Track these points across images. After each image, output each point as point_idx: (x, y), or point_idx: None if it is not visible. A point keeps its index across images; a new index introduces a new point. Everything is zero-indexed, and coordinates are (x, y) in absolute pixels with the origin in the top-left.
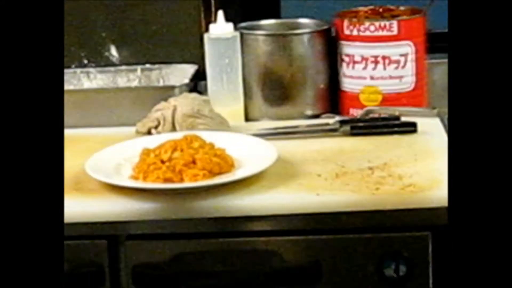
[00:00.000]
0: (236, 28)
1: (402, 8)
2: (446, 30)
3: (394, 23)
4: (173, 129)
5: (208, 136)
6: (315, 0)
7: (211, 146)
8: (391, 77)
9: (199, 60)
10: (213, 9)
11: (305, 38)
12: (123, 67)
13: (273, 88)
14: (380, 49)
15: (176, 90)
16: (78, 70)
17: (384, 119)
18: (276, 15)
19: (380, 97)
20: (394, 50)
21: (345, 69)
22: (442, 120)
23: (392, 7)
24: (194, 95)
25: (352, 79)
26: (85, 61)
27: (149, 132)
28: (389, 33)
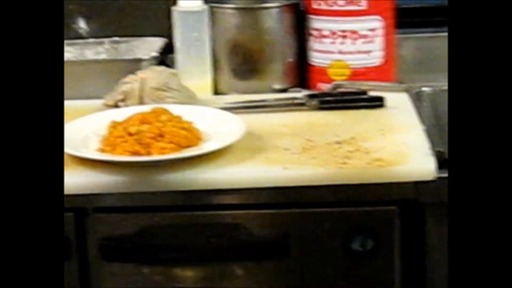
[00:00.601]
0: (205, 2)
1: None
2: (415, 5)
3: None
4: (141, 102)
5: (176, 109)
6: None
7: (179, 119)
8: (359, 52)
9: (168, 33)
10: None
11: (274, 12)
12: (91, 40)
13: (242, 62)
14: (348, 24)
15: (144, 63)
16: None
17: (352, 93)
18: None
19: (348, 72)
20: (363, 24)
21: (314, 43)
22: (409, 95)
23: None
24: (162, 68)
25: (321, 54)
26: None
27: (116, 105)
28: (358, 8)
